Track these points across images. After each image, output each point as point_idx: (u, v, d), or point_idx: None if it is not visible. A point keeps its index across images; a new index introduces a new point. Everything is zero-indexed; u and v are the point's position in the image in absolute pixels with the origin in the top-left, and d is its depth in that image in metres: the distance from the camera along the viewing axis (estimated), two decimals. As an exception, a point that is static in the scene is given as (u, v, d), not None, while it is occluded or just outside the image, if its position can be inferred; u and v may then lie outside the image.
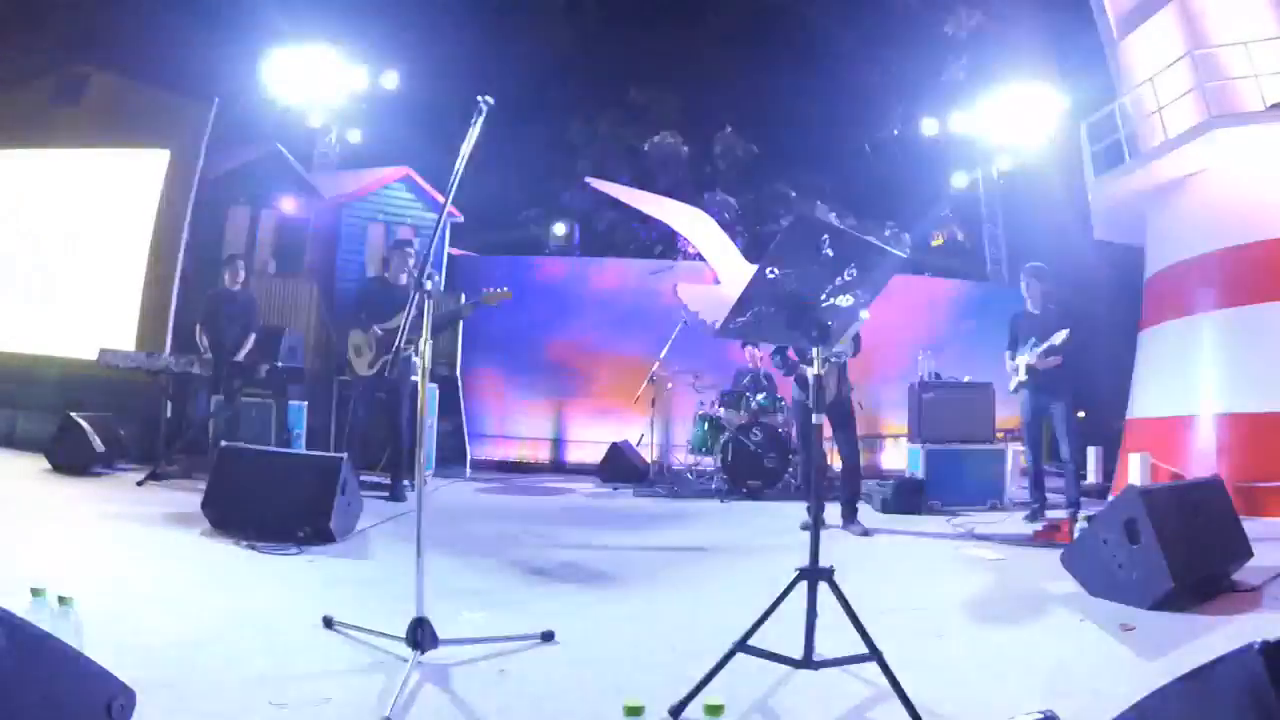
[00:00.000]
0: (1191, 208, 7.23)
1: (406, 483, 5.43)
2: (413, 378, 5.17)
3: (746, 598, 3.05)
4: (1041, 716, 1.64)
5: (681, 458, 8.56)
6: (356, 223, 10.64)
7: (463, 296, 5.59)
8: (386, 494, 5.44)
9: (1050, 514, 5.37)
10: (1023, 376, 5.57)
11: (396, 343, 2.34)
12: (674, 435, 9.21)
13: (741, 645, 1.95)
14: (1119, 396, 8.07)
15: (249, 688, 1.92)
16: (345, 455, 3.99)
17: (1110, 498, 4.83)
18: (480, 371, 9.43)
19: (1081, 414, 7.23)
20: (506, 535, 4.49)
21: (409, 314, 2.41)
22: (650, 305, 9.41)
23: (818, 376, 2.15)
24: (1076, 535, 3.70)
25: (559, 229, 14.73)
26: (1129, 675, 2.23)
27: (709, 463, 7.44)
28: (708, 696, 1.86)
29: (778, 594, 2.01)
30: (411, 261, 5.49)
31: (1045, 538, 4.46)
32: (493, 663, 2.19)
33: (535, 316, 9.62)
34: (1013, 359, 5.71)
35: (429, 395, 6.41)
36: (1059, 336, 5.23)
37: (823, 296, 2.14)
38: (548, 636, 2.41)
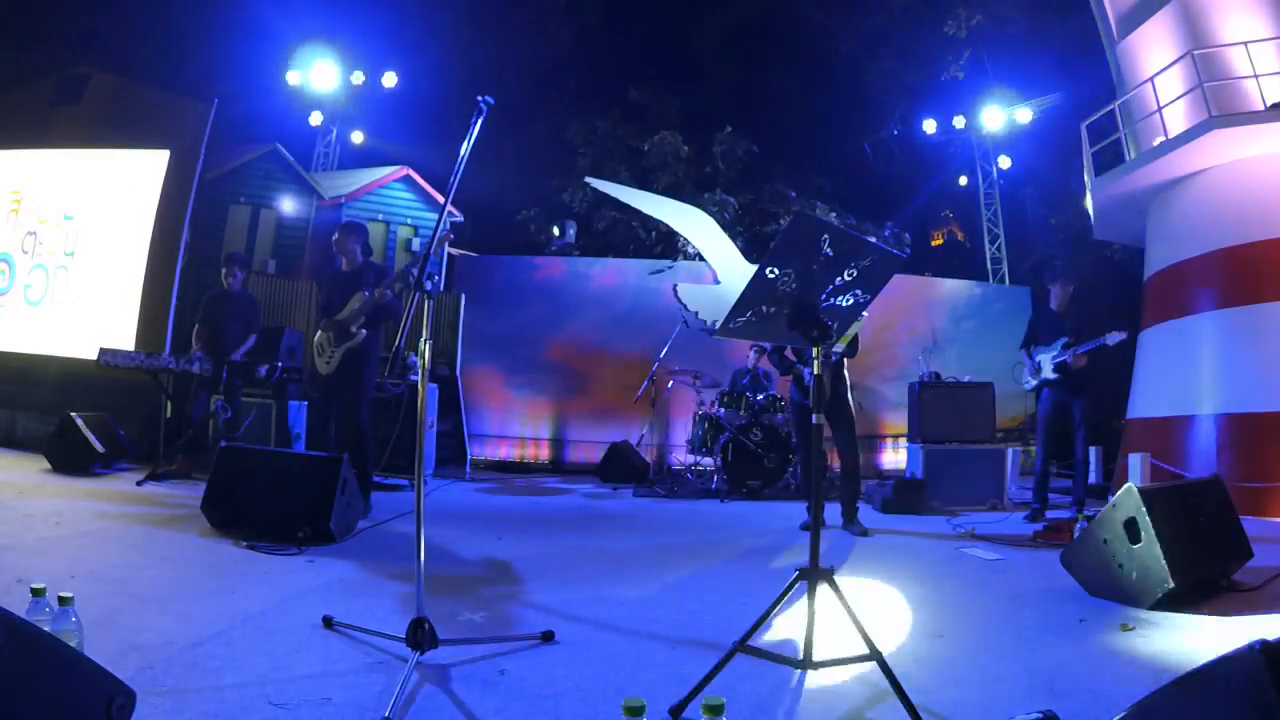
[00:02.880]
0: (1191, 208, 7.23)
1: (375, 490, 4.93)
2: (412, 378, 5.06)
3: (746, 598, 3.06)
4: (1041, 716, 1.65)
5: (681, 458, 8.56)
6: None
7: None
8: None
9: (1050, 514, 5.37)
10: (1049, 374, 5.53)
11: (396, 343, 2.33)
12: (674, 435, 9.21)
13: (741, 645, 1.95)
14: (1119, 396, 8.07)
15: (249, 688, 1.93)
16: (345, 455, 3.98)
17: (1110, 498, 4.83)
18: (480, 371, 9.43)
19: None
20: (506, 536, 4.48)
21: (408, 314, 2.40)
22: (650, 305, 9.42)
23: (817, 377, 2.14)
24: (1076, 535, 3.70)
25: (559, 229, 14.74)
26: (1129, 675, 2.22)
27: (709, 463, 7.44)
28: (708, 696, 1.85)
29: (778, 594, 2.01)
30: (357, 244, 4.92)
31: (1045, 538, 4.46)
32: (492, 663, 2.19)
33: (535, 316, 9.63)
34: (1031, 357, 5.66)
35: (429, 395, 6.37)
36: (1115, 338, 5.14)
37: (823, 296, 2.14)
38: (547, 636, 2.41)
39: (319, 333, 4.90)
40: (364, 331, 4.73)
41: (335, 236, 5.01)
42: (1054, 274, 5.74)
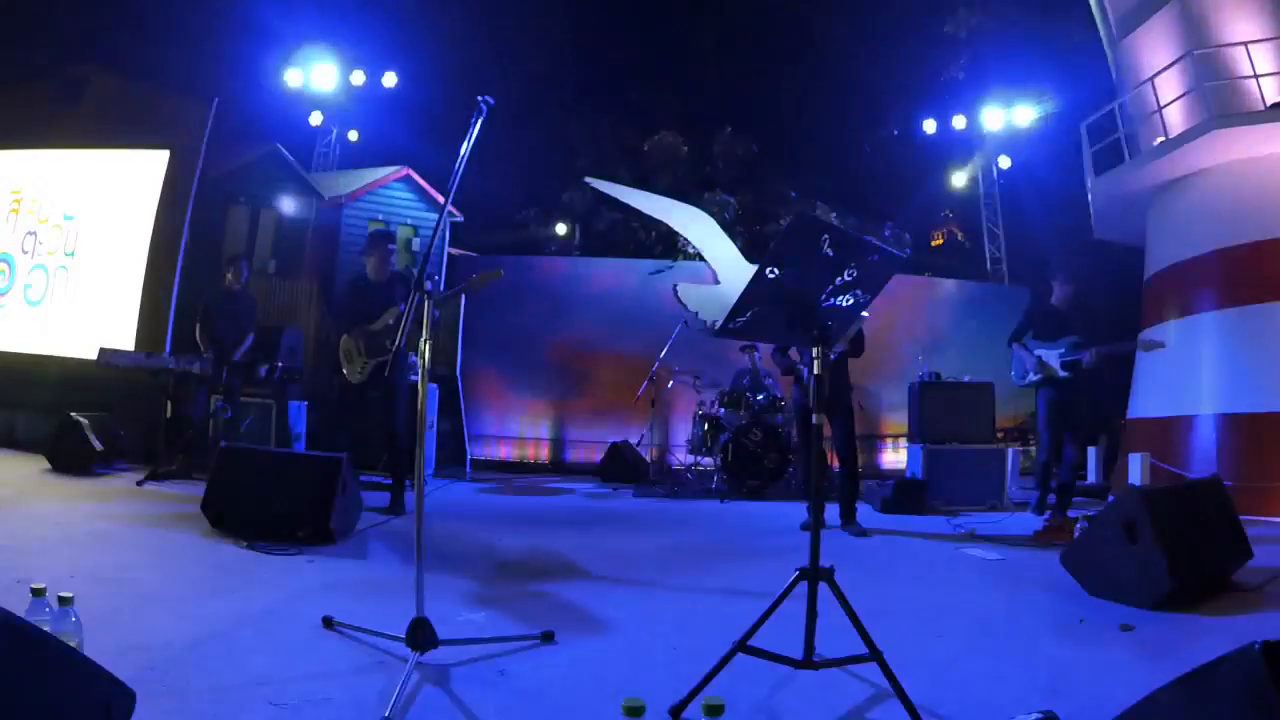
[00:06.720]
0: (1191, 208, 7.23)
1: (410, 492, 4.91)
2: (412, 378, 5.09)
3: (746, 598, 3.06)
4: (1041, 716, 1.65)
5: (682, 458, 8.56)
6: (356, 223, 10.65)
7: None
8: (385, 506, 4.86)
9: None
10: (1054, 372, 5.49)
11: (397, 342, 2.33)
12: (674, 435, 9.21)
13: (741, 645, 1.95)
14: (1119, 396, 8.07)
15: (249, 688, 1.92)
16: (346, 455, 3.98)
17: (1110, 498, 4.82)
18: (480, 371, 9.42)
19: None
20: (506, 536, 4.49)
21: (408, 314, 2.41)
22: (650, 305, 9.42)
23: (818, 377, 2.14)
24: (1076, 535, 3.70)
25: (559, 229, 14.75)
26: (1129, 675, 2.23)
27: (709, 463, 7.44)
28: (708, 697, 1.85)
29: (778, 594, 2.01)
30: (393, 256, 5.21)
31: (1045, 538, 4.46)
32: (492, 663, 2.19)
33: (535, 316, 9.63)
34: (1029, 350, 5.62)
35: (429, 395, 6.38)
36: (1149, 345, 5.07)
37: (823, 296, 2.14)
38: (548, 636, 2.41)
39: (346, 339, 5.05)
40: (401, 344, 4.82)
41: (365, 247, 5.24)
42: (1055, 271, 5.74)
